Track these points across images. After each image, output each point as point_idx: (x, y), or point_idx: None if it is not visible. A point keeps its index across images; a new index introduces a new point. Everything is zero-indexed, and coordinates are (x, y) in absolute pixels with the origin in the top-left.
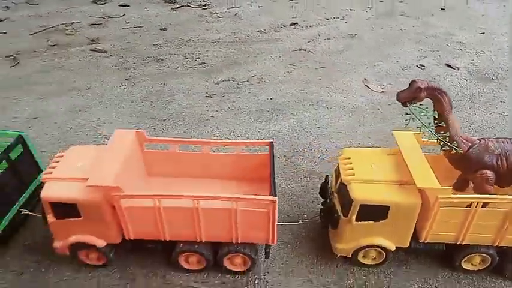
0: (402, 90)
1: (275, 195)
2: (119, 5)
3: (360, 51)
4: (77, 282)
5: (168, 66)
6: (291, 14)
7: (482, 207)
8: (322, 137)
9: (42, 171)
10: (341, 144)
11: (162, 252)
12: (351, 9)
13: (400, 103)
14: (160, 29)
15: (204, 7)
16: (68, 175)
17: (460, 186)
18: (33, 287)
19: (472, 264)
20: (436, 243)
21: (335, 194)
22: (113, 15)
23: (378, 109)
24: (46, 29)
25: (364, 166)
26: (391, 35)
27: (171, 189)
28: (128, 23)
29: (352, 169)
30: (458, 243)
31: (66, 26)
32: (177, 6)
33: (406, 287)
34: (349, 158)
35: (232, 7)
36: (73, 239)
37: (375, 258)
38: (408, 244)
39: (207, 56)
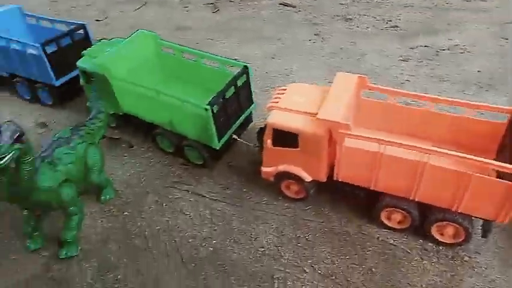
0: None
1: None
2: None
3: None
4: (273, 208)
5: (358, 26)
6: None
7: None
8: None
9: (253, 103)
10: None
11: (361, 201)
12: None
13: None
14: None
15: None
16: (292, 107)
17: None
18: (235, 202)
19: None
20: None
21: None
22: None
23: None
24: None
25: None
26: None
27: None
28: None
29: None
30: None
31: None
32: None
33: None
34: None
35: None
36: (282, 167)
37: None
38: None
39: (399, 19)
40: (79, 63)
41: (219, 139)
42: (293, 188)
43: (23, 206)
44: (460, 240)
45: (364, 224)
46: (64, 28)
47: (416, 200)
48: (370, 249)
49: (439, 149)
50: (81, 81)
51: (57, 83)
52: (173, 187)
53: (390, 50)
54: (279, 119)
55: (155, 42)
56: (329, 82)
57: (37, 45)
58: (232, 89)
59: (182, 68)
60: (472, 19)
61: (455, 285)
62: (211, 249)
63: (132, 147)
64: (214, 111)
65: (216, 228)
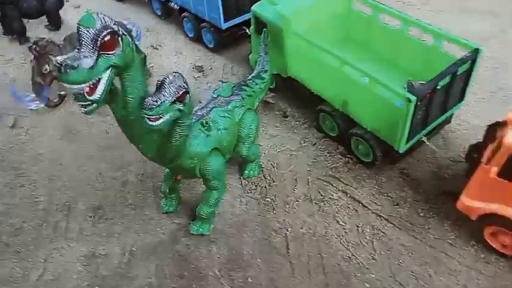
0: None
1: None
2: None
3: None
4: (463, 254)
5: None
6: None
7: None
8: None
9: (463, 100)
10: None
11: None
12: None
13: None
14: None
15: None
16: None
17: None
18: (407, 227)
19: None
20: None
21: None
22: None
23: None
24: None
25: None
26: None
27: None
28: None
29: None
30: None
31: None
32: None
33: None
34: None
35: None
36: (496, 208)
37: None
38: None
39: None
40: (255, 8)
41: (408, 140)
42: (503, 239)
43: (166, 166)
44: None
45: None
46: None
47: None
48: None
49: None
50: (251, 29)
51: (224, 26)
52: (328, 182)
53: None
54: None
55: None
56: None
57: None
58: (447, 78)
59: (375, 35)
60: None
61: None
62: (368, 286)
63: (287, 117)
64: (419, 105)
65: (376, 256)
